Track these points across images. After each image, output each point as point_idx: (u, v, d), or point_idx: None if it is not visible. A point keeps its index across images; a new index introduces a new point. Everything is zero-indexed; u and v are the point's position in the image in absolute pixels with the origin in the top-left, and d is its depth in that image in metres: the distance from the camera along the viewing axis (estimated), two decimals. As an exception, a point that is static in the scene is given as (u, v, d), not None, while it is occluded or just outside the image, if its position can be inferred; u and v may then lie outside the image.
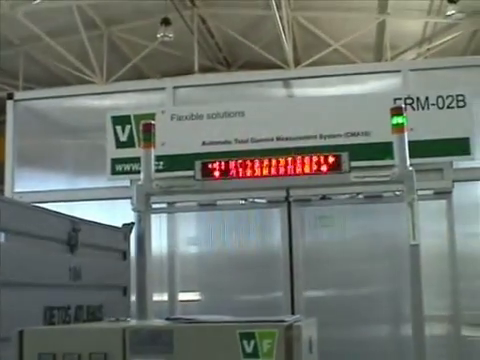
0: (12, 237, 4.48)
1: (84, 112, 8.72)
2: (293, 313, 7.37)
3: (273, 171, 6.80)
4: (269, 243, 7.74)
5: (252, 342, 2.96)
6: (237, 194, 7.49)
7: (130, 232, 6.53)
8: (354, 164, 6.97)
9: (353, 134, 7.43)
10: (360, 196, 7.53)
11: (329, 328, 7.19)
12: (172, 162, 7.56)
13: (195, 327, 3.16)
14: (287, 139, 7.48)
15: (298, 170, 6.74)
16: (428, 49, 16.93)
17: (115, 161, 7.75)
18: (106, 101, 8.82)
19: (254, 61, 16.87)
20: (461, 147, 7.33)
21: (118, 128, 7.80)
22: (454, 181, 7.43)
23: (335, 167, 6.70)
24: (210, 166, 6.79)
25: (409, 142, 6.87)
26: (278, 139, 7.50)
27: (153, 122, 6.86)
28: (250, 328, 2.98)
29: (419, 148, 7.19)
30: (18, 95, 8.57)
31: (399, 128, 6.49)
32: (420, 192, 7.23)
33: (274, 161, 6.74)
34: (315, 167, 6.70)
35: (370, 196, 7.43)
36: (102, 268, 6.05)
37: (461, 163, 7.60)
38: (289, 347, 2.95)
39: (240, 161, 6.77)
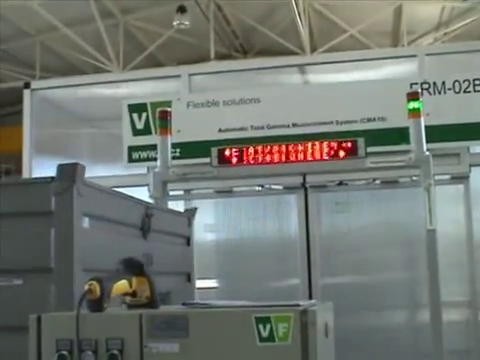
0: (94, 222, 4.41)
1: (100, 101, 8.75)
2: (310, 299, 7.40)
3: (289, 157, 6.85)
4: (286, 229, 7.72)
5: (268, 326, 2.97)
6: (253, 181, 7.51)
7: (193, 217, 6.52)
8: (370, 149, 7.03)
9: (369, 119, 7.40)
10: (377, 182, 7.51)
11: (346, 315, 7.24)
12: (188, 149, 7.57)
13: (210, 312, 3.17)
14: (303, 125, 7.47)
15: (314, 156, 6.77)
16: (445, 34, 16.80)
17: (132, 149, 7.77)
18: (122, 90, 8.85)
19: (270, 48, 16.83)
20: (478, 131, 7.29)
21: (134, 116, 7.82)
22: (471, 165, 7.38)
23: (351, 152, 6.74)
24: (226, 153, 6.85)
25: (425, 127, 6.90)
26: (294, 125, 7.49)
27: (169, 109, 6.92)
28: (266, 312, 2.98)
29: (435, 133, 7.18)
30: (35, 84, 8.60)
31: (415, 113, 6.51)
32: (437, 177, 7.26)
33: (290, 147, 6.78)
34: (331, 153, 6.74)
35: (387, 181, 7.40)
36: (170, 254, 5.97)
37: (478, 148, 7.56)
38: (305, 331, 2.96)
39: (256, 147, 6.81)
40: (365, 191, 7.60)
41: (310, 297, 7.39)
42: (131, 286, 3.44)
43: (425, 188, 6.41)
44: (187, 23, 15.67)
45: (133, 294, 3.47)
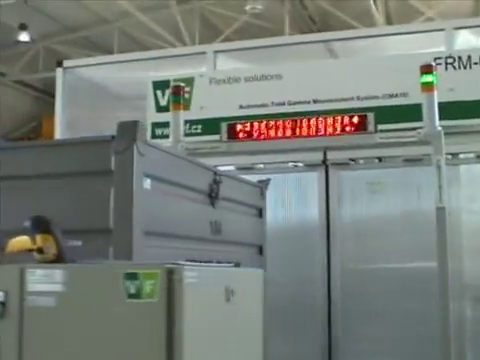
0: (157, 184, 4.32)
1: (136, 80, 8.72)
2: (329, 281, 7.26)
3: (303, 132, 6.76)
4: (306, 208, 7.55)
5: (135, 283, 2.94)
6: (276, 157, 7.38)
7: (266, 188, 6.47)
8: (392, 126, 6.85)
9: (391, 95, 7.16)
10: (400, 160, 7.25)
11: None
12: (210, 126, 7.51)
13: (85, 268, 3.17)
14: (324, 101, 7.29)
15: (326, 131, 6.66)
16: None
17: (155, 125, 7.78)
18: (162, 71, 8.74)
19: (347, 32, 16.57)
20: (504, 107, 6.94)
21: (158, 92, 7.83)
22: (498, 144, 7.03)
23: (362, 127, 6.58)
24: (236, 128, 6.80)
25: (450, 103, 6.66)
26: (315, 102, 7.32)
27: (182, 85, 6.92)
28: (134, 269, 2.95)
29: (460, 109, 6.90)
30: (67, 63, 8.64)
31: (428, 87, 6.25)
32: (462, 156, 6.99)
33: (299, 122, 6.69)
34: (342, 127, 6.62)
35: (410, 160, 7.14)
36: (240, 224, 5.90)
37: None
38: (171, 288, 2.90)
39: (266, 122, 6.74)
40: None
41: (329, 275, 7.25)
42: (35, 243, 3.44)
43: (435, 164, 6.15)
44: (260, 7, 15.66)
45: (40, 251, 3.47)
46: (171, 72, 8.28)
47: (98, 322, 2.99)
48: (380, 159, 7.35)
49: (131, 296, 2.93)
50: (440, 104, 6.44)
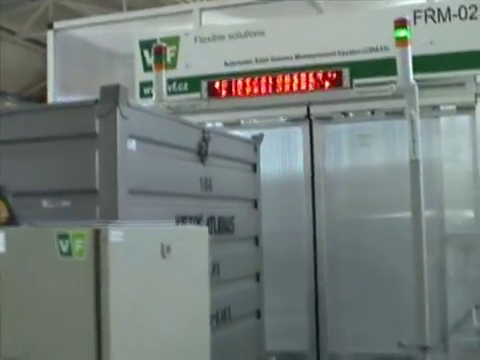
0: (142, 145, 4.48)
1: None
2: (315, 236, 7.44)
3: (281, 88, 6.89)
4: (291, 162, 7.69)
5: (67, 242, 3.15)
6: (257, 113, 7.51)
7: (260, 144, 6.64)
8: (373, 80, 6.94)
9: (372, 49, 7.23)
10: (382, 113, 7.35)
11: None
12: (196, 83, 7.64)
13: (22, 230, 3.39)
14: (305, 57, 7.38)
15: (300, 87, 6.79)
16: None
17: (143, 84, 7.89)
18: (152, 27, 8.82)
19: None
20: (484, 59, 6.99)
21: (145, 52, 7.92)
22: (478, 96, 7.08)
23: (337, 83, 6.70)
24: (215, 85, 6.94)
25: (430, 56, 6.73)
26: (297, 57, 7.42)
27: (164, 45, 7.06)
28: (65, 229, 3.15)
29: (440, 62, 6.99)
30: (58, 25, 8.76)
31: (402, 41, 6.31)
32: (442, 107, 7.08)
33: (276, 79, 6.82)
34: (317, 83, 6.74)
35: (391, 113, 7.23)
36: (233, 180, 6.09)
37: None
38: (98, 247, 3.11)
39: (244, 80, 6.89)
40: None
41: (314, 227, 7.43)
42: (-15, 208, 3.66)
43: (409, 118, 6.25)
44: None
45: (-8, 215, 3.69)
46: (169, 27, 8.41)
47: (36, 280, 3.23)
48: (372, 112, 7.44)
49: (63, 254, 3.15)
50: (420, 57, 6.62)
